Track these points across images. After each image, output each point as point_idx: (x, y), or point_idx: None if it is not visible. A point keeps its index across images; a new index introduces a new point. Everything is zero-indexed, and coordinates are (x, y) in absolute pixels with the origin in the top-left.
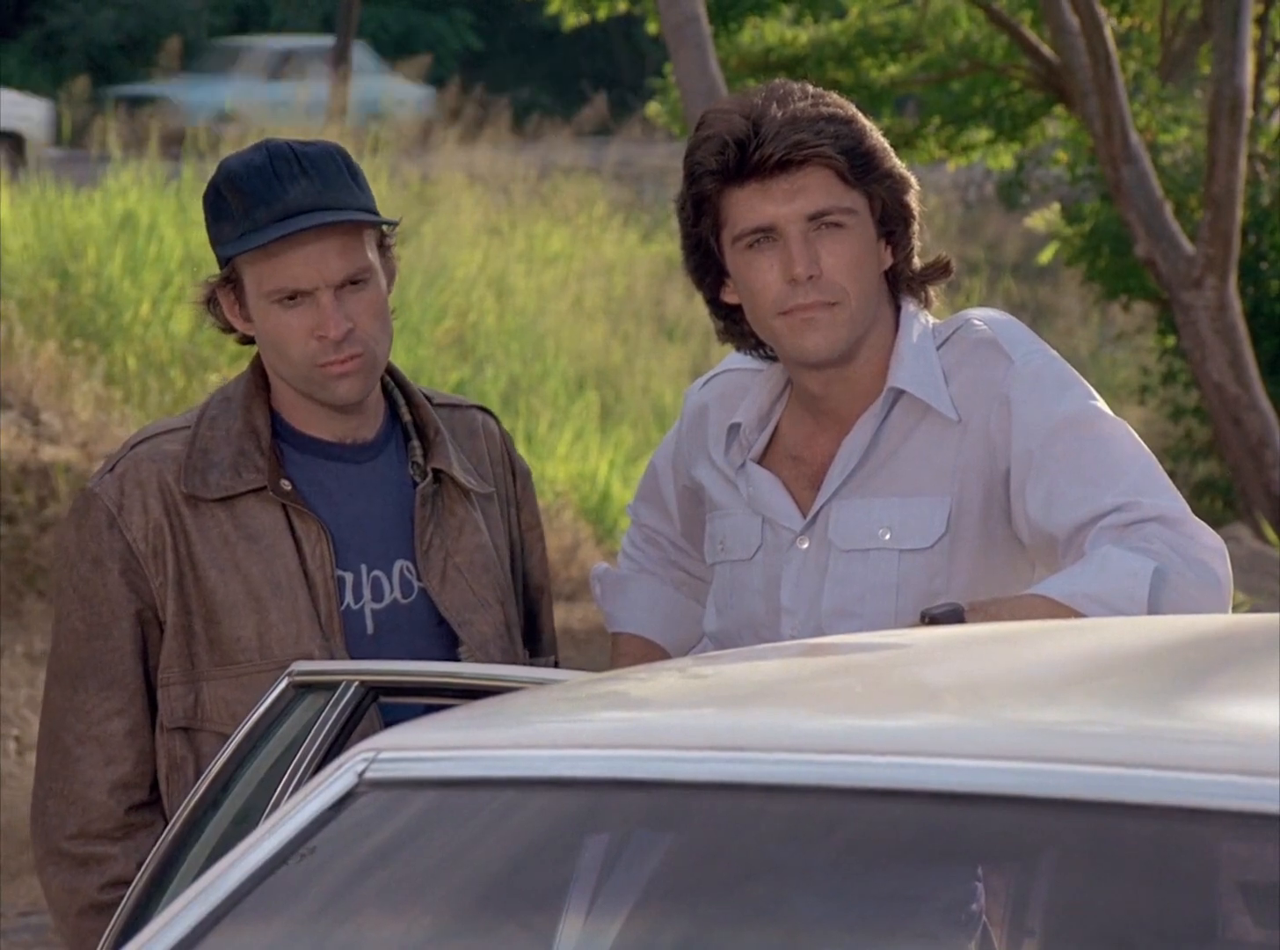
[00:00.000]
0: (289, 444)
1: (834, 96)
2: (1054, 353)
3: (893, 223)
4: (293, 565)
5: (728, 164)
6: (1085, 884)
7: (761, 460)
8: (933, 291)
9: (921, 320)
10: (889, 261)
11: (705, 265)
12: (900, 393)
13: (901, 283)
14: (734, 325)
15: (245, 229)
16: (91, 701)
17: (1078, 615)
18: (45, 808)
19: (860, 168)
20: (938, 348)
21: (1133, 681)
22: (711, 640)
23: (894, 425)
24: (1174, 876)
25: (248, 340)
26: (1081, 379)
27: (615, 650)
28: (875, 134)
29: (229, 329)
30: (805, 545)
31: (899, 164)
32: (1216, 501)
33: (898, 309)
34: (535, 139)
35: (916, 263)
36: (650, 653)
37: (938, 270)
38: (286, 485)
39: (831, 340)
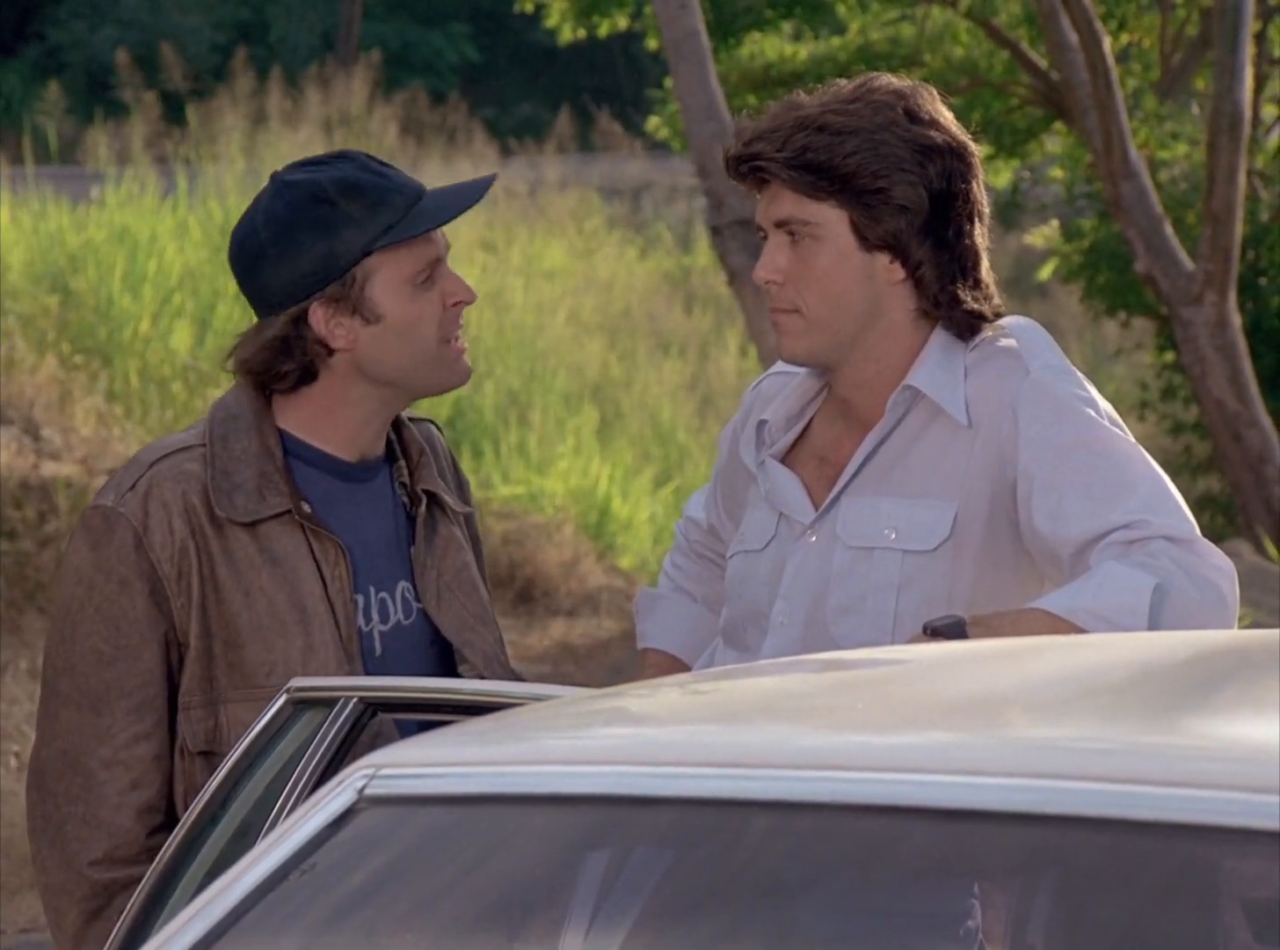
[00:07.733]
0: (299, 460)
1: (881, 91)
2: (1072, 367)
3: (880, 241)
4: (317, 590)
5: (730, 164)
6: (1086, 901)
7: (786, 459)
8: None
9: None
10: (898, 276)
11: None
12: (916, 392)
13: (936, 306)
14: None
15: (390, 220)
16: (118, 725)
17: (1079, 630)
18: (63, 833)
19: (810, 182)
20: (970, 350)
21: (1134, 698)
22: (721, 635)
23: (908, 425)
24: (1175, 893)
25: (304, 372)
26: (1097, 396)
27: (642, 664)
28: (871, 148)
29: (276, 367)
30: (814, 539)
31: (907, 181)
32: (1217, 517)
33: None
34: (522, 153)
35: (968, 298)
36: (674, 667)
37: (972, 317)
38: (307, 508)
39: (790, 347)
